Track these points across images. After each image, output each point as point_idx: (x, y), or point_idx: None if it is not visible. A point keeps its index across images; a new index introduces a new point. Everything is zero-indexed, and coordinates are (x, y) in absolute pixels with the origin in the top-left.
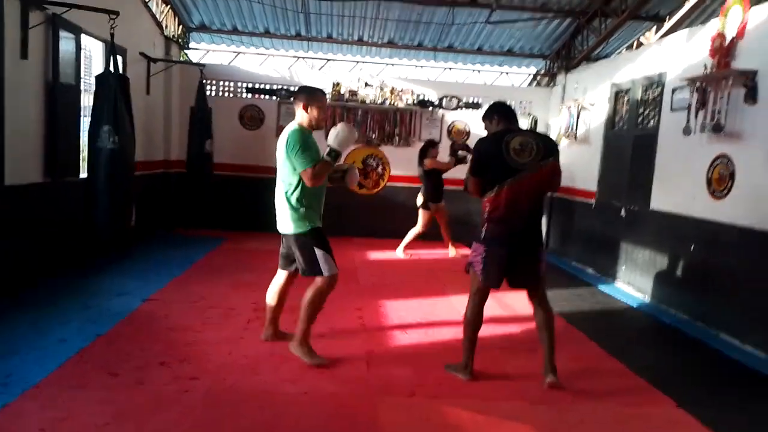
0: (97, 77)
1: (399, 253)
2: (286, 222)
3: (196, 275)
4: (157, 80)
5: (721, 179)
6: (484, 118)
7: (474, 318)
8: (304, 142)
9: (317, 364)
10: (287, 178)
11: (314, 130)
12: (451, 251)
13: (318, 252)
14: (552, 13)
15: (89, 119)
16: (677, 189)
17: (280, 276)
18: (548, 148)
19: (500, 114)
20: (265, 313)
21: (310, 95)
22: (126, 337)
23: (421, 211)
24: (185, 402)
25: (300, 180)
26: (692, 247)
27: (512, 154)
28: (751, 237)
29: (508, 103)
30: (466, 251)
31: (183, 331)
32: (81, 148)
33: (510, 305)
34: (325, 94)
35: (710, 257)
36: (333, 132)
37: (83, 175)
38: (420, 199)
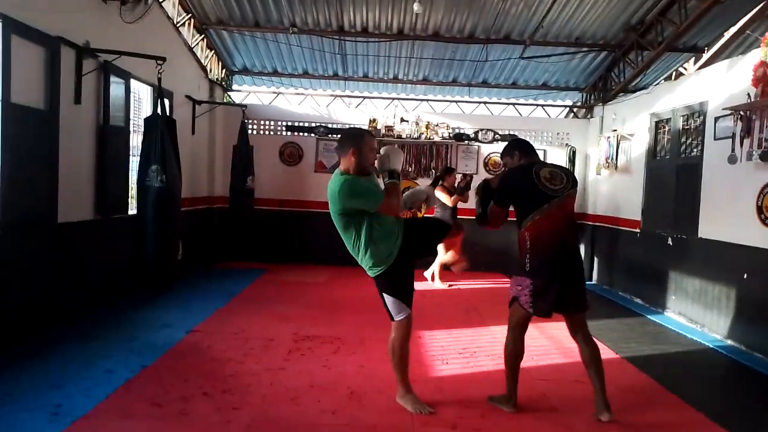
0: (146, 119)
1: (437, 284)
2: (364, 265)
3: (237, 307)
4: (202, 121)
5: None
6: (505, 155)
7: (516, 350)
8: (358, 186)
9: (421, 412)
10: (349, 231)
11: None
12: (437, 283)
13: (387, 298)
14: (586, 48)
15: (138, 159)
16: (726, 217)
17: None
18: (572, 178)
19: (521, 149)
20: (304, 344)
21: (359, 138)
22: (170, 369)
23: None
24: None
25: (359, 228)
26: (745, 276)
27: (545, 182)
28: None
29: (545, 134)
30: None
31: (225, 362)
32: (129, 186)
33: (554, 336)
34: (373, 135)
35: (763, 285)
36: (382, 156)
37: (131, 212)
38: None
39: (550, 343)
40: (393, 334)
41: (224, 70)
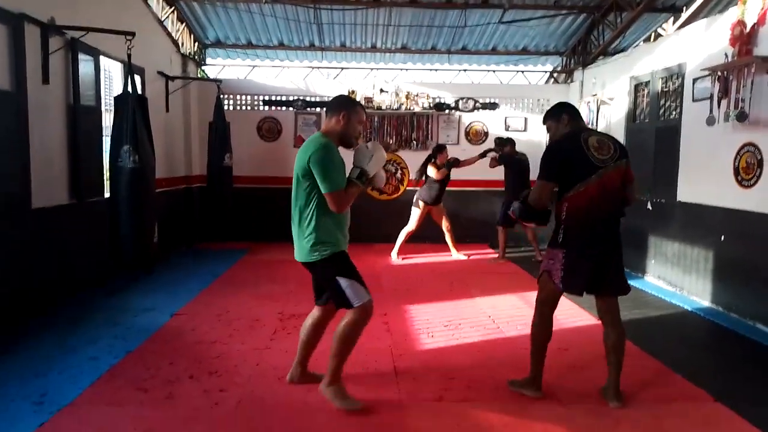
0: (116, 98)
1: (394, 257)
2: (300, 248)
3: (221, 288)
4: (176, 97)
5: (748, 168)
6: (550, 118)
7: (544, 330)
8: (333, 158)
9: (348, 408)
10: (303, 197)
11: (342, 147)
12: (455, 254)
13: (342, 281)
14: (565, 10)
15: (110, 140)
16: (704, 180)
17: (315, 311)
18: (622, 149)
19: (570, 113)
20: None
21: (352, 105)
22: (155, 353)
23: (414, 210)
24: (216, 415)
25: (318, 199)
26: (722, 238)
27: (593, 151)
28: None
29: (525, 101)
30: (472, 251)
31: (210, 344)
32: (104, 169)
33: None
34: (365, 109)
35: (741, 247)
36: (364, 151)
37: (107, 194)
38: (420, 200)
39: (531, 311)
40: (349, 319)
41: (197, 44)
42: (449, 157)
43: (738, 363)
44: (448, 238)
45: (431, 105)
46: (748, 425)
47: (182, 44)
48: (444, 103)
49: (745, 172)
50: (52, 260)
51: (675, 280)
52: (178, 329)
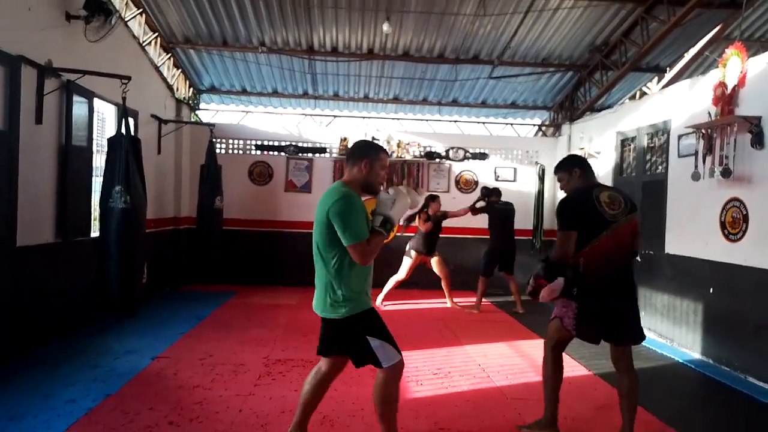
0: (109, 140)
1: (378, 302)
2: (323, 303)
3: (205, 331)
4: (168, 140)
5: (734, 222)
6: (562, 170)
7: (555, 372)
8: (354, 208)
9: None
10: (326, 249)
11: (364, 195)
12: (450, 303)
13: (372, 342)
14: (553, 68)
15: (101, 180)
16: (691, 233)
17: (322, 365)
18: (632, 202)
19: (581, 167)
20: (275, 368)
21: (374, 152)
22: (135, 397)
23: (405, 259)
24: None
25: (342, 251)
26: (711, 291)
27: (605, 206)
28: None
29: (515, 152)
30: (464, 300)
31: (192, 389)
32: (93, 209)
33: (528, 354)
34: (387, 154)
35: (730, 300)
36: (386, 198)
37: (95, 234)
38: (412, 249)
39: (524, 361)
40: (381, 379)
41: (191, 89)
42: (438, 211)
43: (731, 417)
44: (444, 285)
45: (422, 153)
46: None
47: (177, 89)
48: (435, 152)
49: (732, 226)
50: (34, 299)
51: (666, 332)
52: (160, 373)
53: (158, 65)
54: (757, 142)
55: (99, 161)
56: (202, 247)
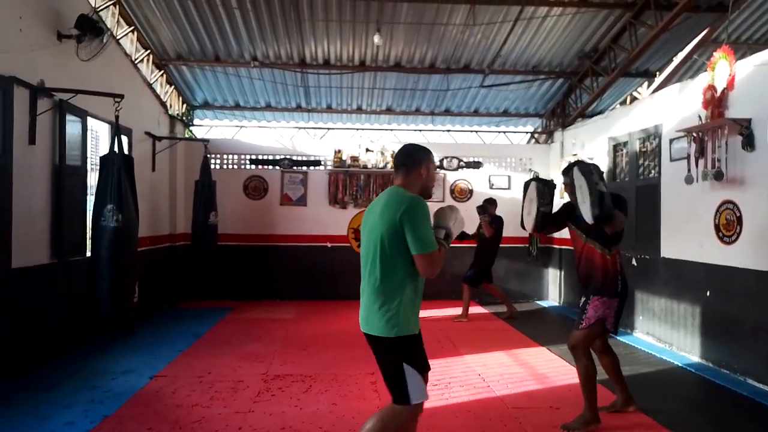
0: (102, 158)
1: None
2: (373, 320)
3: (203, 348)
4: (163, 157)
5: (728, 225)
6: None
7: (593, 369)
8: (427, 216)
9: None
10: (393, 259)
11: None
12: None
13: (408, 370)
14: (543, 75)
15: (93, 199)
16: (686, 236)
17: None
18: None
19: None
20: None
21: (427, 154)
22: (133, 418)
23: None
24: None
25: (406, 265)
26: (708, 294)
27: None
28: (764, 279)
29: (508, 159)
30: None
31: (191, 407)
32: (88, 228)
33: (527, 362)
34: None
35: (727, 302)
36: (447, 213)
37: (90, 254)
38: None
39: (523, 370)
40: (395, 413)
41: (185, 105)
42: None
43: (730, 420)
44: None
45: None
46: None
47: (170, 106)
48: None
49: (726, 228)
50: (30, 321)
51: (664, 336)
52: (158, 392)
53: (151, 82)
54: (748, 144)
55: (93, 180)
56: (197, 264)
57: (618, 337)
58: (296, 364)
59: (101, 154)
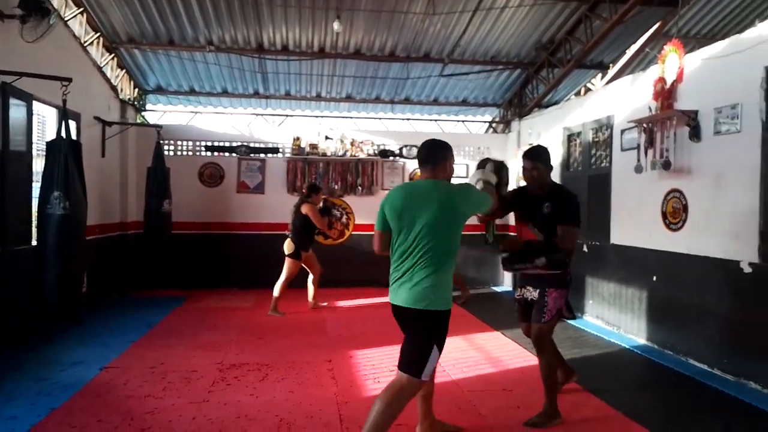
0: (48, 143)
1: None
2: (431, 294)
3: (156, 338)
4: (113, 143)
5: (675, 212)
6: (543, 161)
7: (554, 363)
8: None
9: None
10: (451, 241)
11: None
12: (313, 302)
13: (434, 351)
14: (501, 66)
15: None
16: (635, 224)
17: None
18: None
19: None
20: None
21: (450, 149)
22: (82, 410)
23: (289, 261)
24: None
25: (454, 246)
26: (654, 279)
27: None
28: (706, 264)
29: (466, 148)
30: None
31: (143, 398)
32: (33, 215)
33: (482, 347)
34: None
35: (672, 287)
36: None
37: (35, 242)
38: (290, 247)
39: (478, 354)
40: (404, 387)
41: (137, 90)
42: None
43: (674, 398)
44: (314, 282)
45: (376, 152)
46: None
47: (122, 90)
48: (388, 150)
49: (672, 216)
50: None
51: (612, 320)
52: (109, 383)
53: (101, 66)
54: (695, 135)
55: (39, 166)
56: (150, 252)
57: (569, 321)
58: (253, 353)
59: (48, 140)
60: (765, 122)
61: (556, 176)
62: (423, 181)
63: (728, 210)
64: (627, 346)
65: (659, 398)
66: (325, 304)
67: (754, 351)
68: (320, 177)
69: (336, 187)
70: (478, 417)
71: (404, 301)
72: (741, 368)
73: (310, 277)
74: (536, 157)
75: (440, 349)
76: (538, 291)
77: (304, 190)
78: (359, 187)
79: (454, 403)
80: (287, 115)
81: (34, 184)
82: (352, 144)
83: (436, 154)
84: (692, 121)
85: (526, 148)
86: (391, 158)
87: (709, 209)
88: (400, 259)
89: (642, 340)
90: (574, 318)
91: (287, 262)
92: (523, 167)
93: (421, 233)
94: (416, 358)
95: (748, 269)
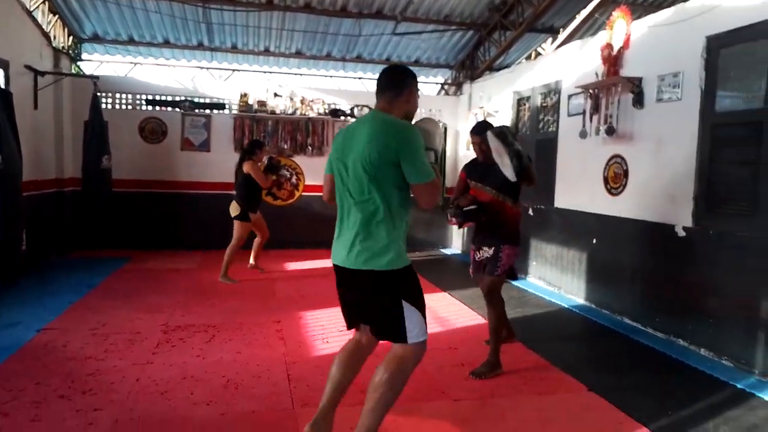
0: None
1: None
2: (370, 252)
3: (97, 300)
4: (46, 94)
5: (616, 177)
6: (481, 134)
7: (504, 315)
8: (422, 143)
9: None
10: (378, 192)
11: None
12: (254, 263)
13: (406, 307)
14: (455, 26)
15: None
16: (578, 188)
17: (361, 337)
18: None
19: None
20: (174, 334)
21: (413, 76)
22: (18, 372)
23: (237, 224)
24: None
25: (397, 195)
26: (594, 241)
27: None
28: (643, 228)
29: (418, 111)
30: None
31: (84, 360)
32: None
33: (430, 307)
34: None
35: (610, 249)
36: (434, 129)
37: None
38: (235, 209)
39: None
40: (399, 355)
41: (71, 38)
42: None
43: (608, 355)
44: (260, 244)
45: (327, 111)
46: (617, 412)
47: (55, 38)
48: (339, 110)
49: (614, 181)
50: None
51: (553, 280)
52: (47, 345)
53: (31, 10)
54: (638, 101)
55: None
56: (89, 211)
57: (512, 282)
58: (199, 315)
59: None
60: (704, 91)
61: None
62: (366, 116)
63: (666, 176)
64: (566, 306)
65: (593, 353)
66: (263, 270)
67: (683, 310)
68: (269, 135)
69: (286, 147)
70: (423, 374)
71: (345, 262)
72: (670, 326)
73: (257, 239)
74: (482, 131)
75: (413, 302)
76: (493, 248)
77: (245, 146)
78: (309, 147)
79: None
80: (234, 70)
81: None
82: (302, 102)
83: (395, 82)
84: (636, 88)
85: (476, 111)
86: (342, 118)
87: (649, 175)
88: (339, 212)
89: (581, 300)
90: (516, 278)
91: (235, 225)
92: (473, 142)
93: (355, 184)
94: (387, 321)
95: (682, 233)
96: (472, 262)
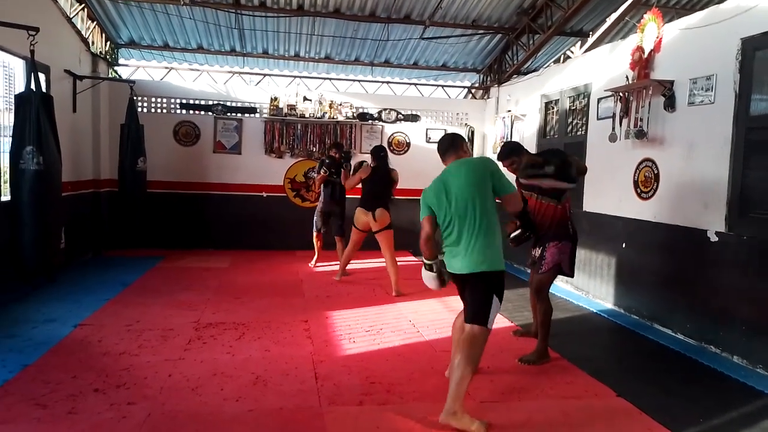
0: (17, 96)
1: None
2: (484, 258)
3: (131, 297)
4: (85, 97)
5: (647, 181)
6: (512, 156)
7: (551, 309)
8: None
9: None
10: (491, 209)
11: None
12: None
13: (495, 301)
14: (482, 30)
15: (11, 140)
16: (607, 192)
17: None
18: None
19: (524, 149)
20: (206, 332)
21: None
22: (56, 366)
23: (388, 233)
24: (122, 429)
25: (495, 212)
26: (623, 245)
27: None
28: (675, 233)
29: (445, 114)
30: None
31: (118, 356)
32: (2, 170)
33: (455, 308)
34: None
35: (639, 254)
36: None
37: (5, 198)
38: (387, 217)
39: (450, 315)
40: (477, 333)
41: (109, 43)
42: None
43: (637, 360)
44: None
45: (354, 115)
46: (646, 418)
47: (93, 43)
48: (367, 113)
49: (644, 185)
50: None
51: (582, 285)
52: (83, 341)
53: (71, 17)
54: (670, 105)
55: (8, 120)
56: (124, 211)
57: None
58: (229, 312)
59: (15, 92)
60: (738, 94)
61: (532, 143)
62: (457, 162)
63: (698, 180)
64: (595, 310)
65: (621, 358)
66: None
67: (715, 317)
68: (298, 139)
69: (314, 150)
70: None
71: (465, 269)
72: (702, 333)
73: (339, 246)
74: (507, 155)
75: (500, 298)
76: (540, 248)
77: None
78: None
79: (427, 362)
80: (265, 74)
81: (2, 138)
82: (330, 106)
83: (454, 141)
84: (667, 91)
85: (504, 115)
86: (370, 122)
87: (680, 179)
88: (450, 232)
89: (609, 305)
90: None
91: (388, 235)
92: (504, 166)
93: (467, 208)
94: (479, 308)
95: (714, 238)
96: (530, 261)
